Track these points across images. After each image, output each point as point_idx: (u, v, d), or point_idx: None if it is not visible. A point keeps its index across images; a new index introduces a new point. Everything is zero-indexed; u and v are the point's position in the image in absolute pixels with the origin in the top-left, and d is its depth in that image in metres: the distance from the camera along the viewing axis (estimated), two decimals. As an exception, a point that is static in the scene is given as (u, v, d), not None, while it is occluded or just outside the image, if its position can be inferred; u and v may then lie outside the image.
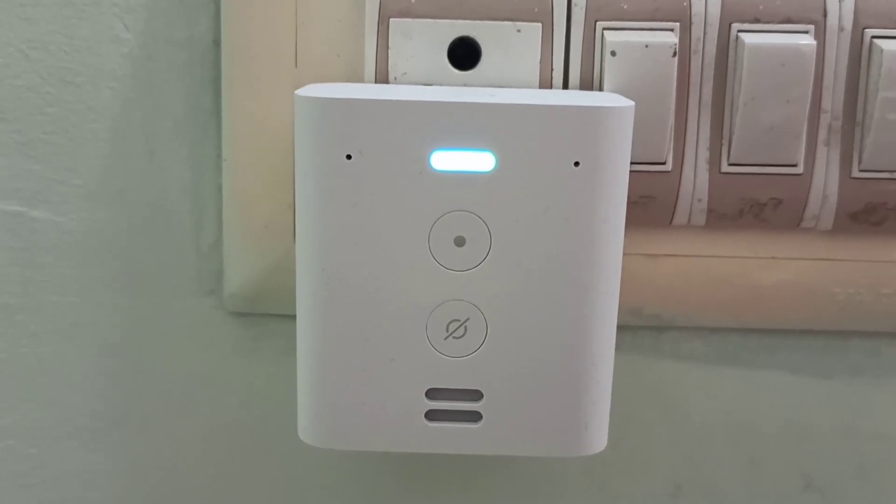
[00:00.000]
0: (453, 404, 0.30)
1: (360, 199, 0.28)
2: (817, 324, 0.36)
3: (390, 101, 0.27)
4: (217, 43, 0.34)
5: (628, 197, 0.33)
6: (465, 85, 0.33)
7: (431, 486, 0.39)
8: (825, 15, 0.32)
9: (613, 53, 0.32)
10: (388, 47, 0.33)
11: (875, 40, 0.33)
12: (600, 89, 0.33)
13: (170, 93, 0.35)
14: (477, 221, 0.28)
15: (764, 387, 0.37)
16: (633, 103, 0.28)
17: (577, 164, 0.28)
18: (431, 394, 0.30)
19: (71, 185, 0.36)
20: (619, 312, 0.31)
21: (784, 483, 0.38)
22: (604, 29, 0.32)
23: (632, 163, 0.32)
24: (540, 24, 0.32)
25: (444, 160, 0.28)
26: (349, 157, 0.28)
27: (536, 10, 0.32)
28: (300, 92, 0.28)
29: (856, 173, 0.34)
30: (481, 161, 0.28)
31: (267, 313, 0.36)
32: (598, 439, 0.30)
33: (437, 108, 0.27)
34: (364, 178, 0.28)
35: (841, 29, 0.33)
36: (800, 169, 0.33)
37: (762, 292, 0.35)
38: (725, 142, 0.33)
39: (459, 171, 0.28)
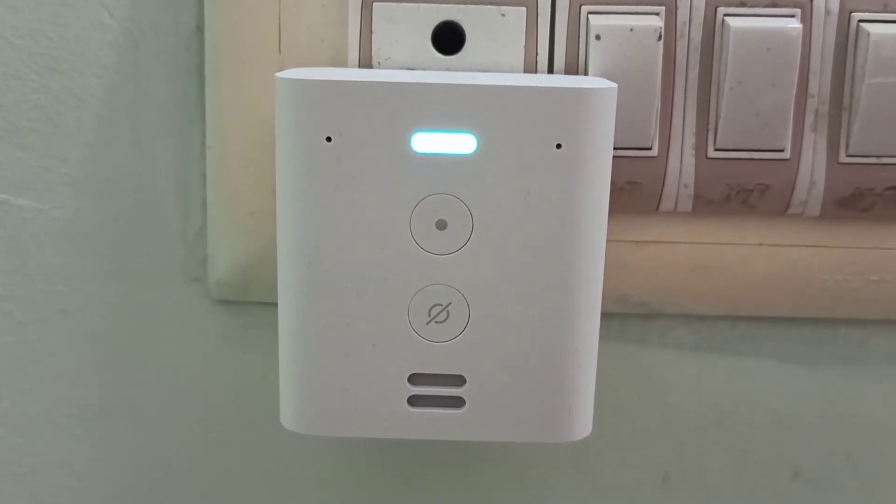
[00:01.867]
0: (436, 389, 0.30)
1: (341, 181, 0.28)
2: (805, 311, 0.36)
3: (370, 82, 0.27)
4: (200, 29, 0.34)
5: (614, 183, 0.33)
6: (448, 70, 0.32)
7: (416, 474, 0.38)
8: (811, -1, 0.32)
9: (598, 37, 0.32)
10: (371, 32, 0.32)
11: (862, 24, 0.32)
12: (585, 74, 0.32)
13: (155, 80, 0.35)
14: (458, 204, 0.28)
15: (752, 375, 0.37)
16: (615, 85, 0.28)
17: (559, 146, 0.28)
18: (414, 379, 0.30)
19: (56, 173, 0.36)
20: (605, 300, 0.30)
21: (772, 472, 0.38)
22: (588, 13, 0.32)
23: (617, 148, 0.32)
24: (524, 8, 0.32)
25: (425, 142, 0.28)
26: (329, 139, 0.28)
27: (521, -6, 0.32)
28: (281, 74, 0.28)
29: (843, 159, 0.33)
30: (462, 143, 0.28)
31: (254, 301, 0.36)
32: (583, 425, 0.30)
33: (417, 90, 0.27)
34: (344, 161, 0.28)
35: (827, 13, 0.32)
36: (787, 154, 0.33)
37: (750, 279, 0.35)
38: (712, 127, 0.33)
39: (440, 154, 0.28)
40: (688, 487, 0.38)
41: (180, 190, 0.36)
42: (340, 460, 0.38)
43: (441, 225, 0.28)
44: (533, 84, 0.27)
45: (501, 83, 0.27)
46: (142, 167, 0.35)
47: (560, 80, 0.29)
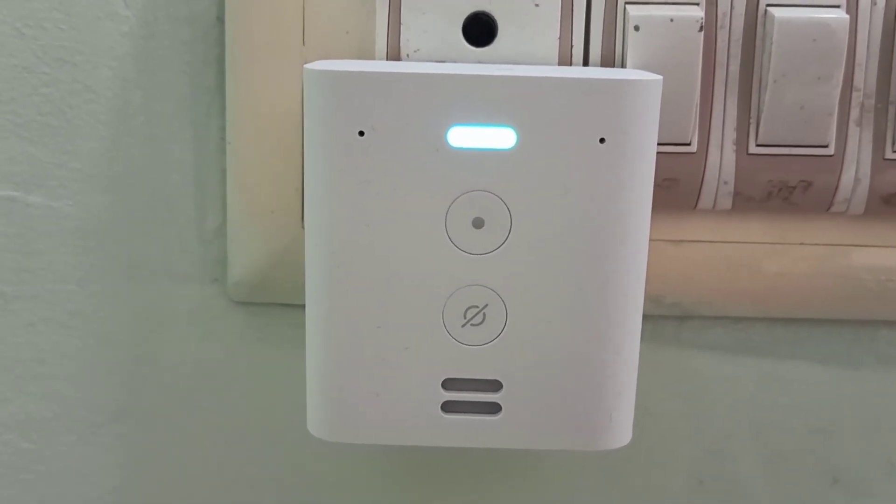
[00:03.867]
0: (471, 395, 0.29)
1: (373, 177, 0.27)
2: (846, 313, 0.35)
3: (405, 73, 0.26)
4: (221, 20, 0.33)
5: (651, 179, 0.31)
6: (480, 62, 0.31)
7: (445, 480, 0.38)
8: (858, -12, 0.31)
9: (637, 28, 0.31)
10: (399, 23, 0.31)
11: (910, 15, 0.31)
12: (622, 66, 0.31)
13: (171, 72, 0.34)
14: (496, 202, 0.27)
15: (790, 378, 0.36)
16: (660, 77, 0.27)
17: (602, 140, 0.26)
18: (448, 384, 0.29)
19: (68, 168, 0.35)
20: (640, 300, 0.29)
21: (810, 478, 0.37)
22: (626, 3, 0.31)
23: (656, 143, 0.31)
24: (559, -2, 0.31)
25: (462, 136, 0.26)
26: (362, 133, 0.26)
27: (556, -17, 0.31)
28: (310, 66, 0.27)
29: (889, 154, 0.32)
30: (501, 137, 0.27)
31: (273, 303, 0.35)
32: (623, 432, 0.29)
33: (454, 81, 0.26)
34: (377, 156, 0.27)
35: (873, 3, 0.31)
36: (831, 150, 0.32)
37: (789, 280, 0.34)
38: (753, 121, 0.32)
39: (478, 149, 0.27)
40: (722, 494, 0.38)
41: (198, 187, 0.35)
42: (364, 466, 0.37)
43: (478, 223, 0.27)
44: (576, 76, 0.26)
45: (543, 74, 0.26)
46: (158, 163, 0.35)
47: (602, 73, 0.27)
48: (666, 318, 0.36)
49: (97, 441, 0.37)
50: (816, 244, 0.34)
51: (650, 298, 0.34)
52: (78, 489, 0.38)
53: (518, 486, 0.38)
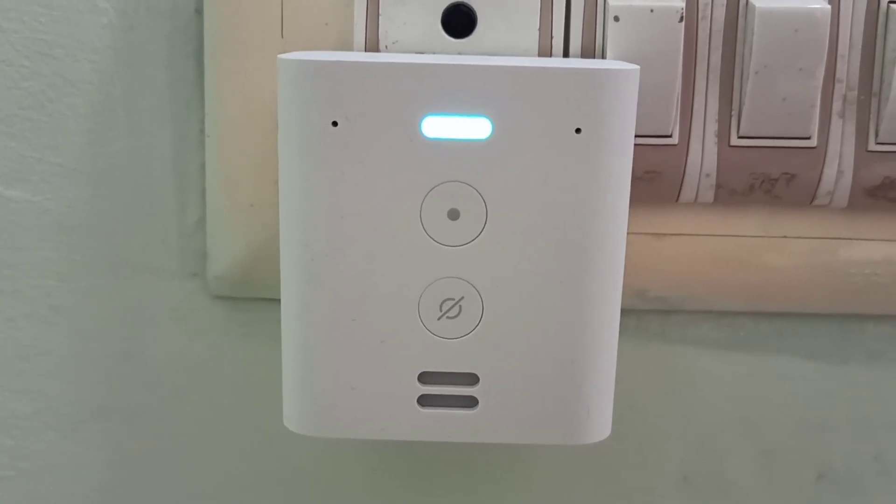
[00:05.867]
0: (447, 389, 0.28)
1: (347, 169, 0.26)
2: (832, 307, 0.35)
3: (378, 62, 0.26)
4: (199, 12, 0.33)
5: (632, 173, 0.31)
6: (460, 53, 0.31)
7: (427, 476, 0.37)
8: (840, -22, 0.31)
9: (616, 19, 0.30)
10: (378, 14, 0.31)
11: (893, 6, 0.31)
12: (603, 57, 0.31)
13: (151, 65, 0.34)
14: (472, 193, 0.27)
15: (776, 373, 0.36)
16: (637, 67, 0.27)
17: (578, 131, 0.26)
18: (424, 378, 0.28)
19: (49, 162, 0.34)
20: (623, 295, 0.29)
21: (797, 474, 0.37)
22: (606, -7, 0.31)
23: (636, 136, 0.30)
24: (539, -11, 0.31)
25: (437, 127, 0.26)
26: (335, 123, 0.26)
27: (535, -27, 0.31)
28: (284, 56, 0.27)
29: (872, 146, 0.32)
30: (476, 128, 0.26)
31: (255, 297, 0.35)
32: (602, 426, 0.29)
33: (428, 71, 0.26)
34: (351, 147, 0.26)
35: (857, -7, 0.31)
36: (814, 142, 0.32)
37: (773, 273, 0.34)
38: (735, 113, 0.32)
39: (453, 139, 0.26)
40: (708, 491, 0.37)
41: (178, 180, 0.34)
42: (346, 461, 0.37)
43: (453, 215, 0.27)
44: (551, 65, 0.26)
45: (517, 64, 0.26)
46: (138, 156, 0.34)
47: (578, 63, 0.27)
48: (650, 313, 0.35)
49: (79, 438, 0.37)
50: (801, 237, 0.34)
51: (634, 293, 0.34)
52: (61, 487, 0.37)
53: (503, 483, 0.37)
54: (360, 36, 0.31)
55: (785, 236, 0.34)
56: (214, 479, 0.37)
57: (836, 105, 0.32)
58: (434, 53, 0.31)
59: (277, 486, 0.37)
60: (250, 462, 0.37)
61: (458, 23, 0.31)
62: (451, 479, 0.37)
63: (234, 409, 0.36)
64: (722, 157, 0.32)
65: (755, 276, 0.34)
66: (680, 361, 0.36)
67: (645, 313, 0.35)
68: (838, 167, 0.32)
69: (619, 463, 0.37)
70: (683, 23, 0.30)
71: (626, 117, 0.26)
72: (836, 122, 0.32)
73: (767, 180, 0.32)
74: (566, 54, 0.31)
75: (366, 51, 0.31)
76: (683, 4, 0.30)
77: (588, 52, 0.31)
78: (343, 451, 0.37)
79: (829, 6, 0.30)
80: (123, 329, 0.36)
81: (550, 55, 0.31)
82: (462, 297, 0.27)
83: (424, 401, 0.28)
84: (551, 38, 0.31)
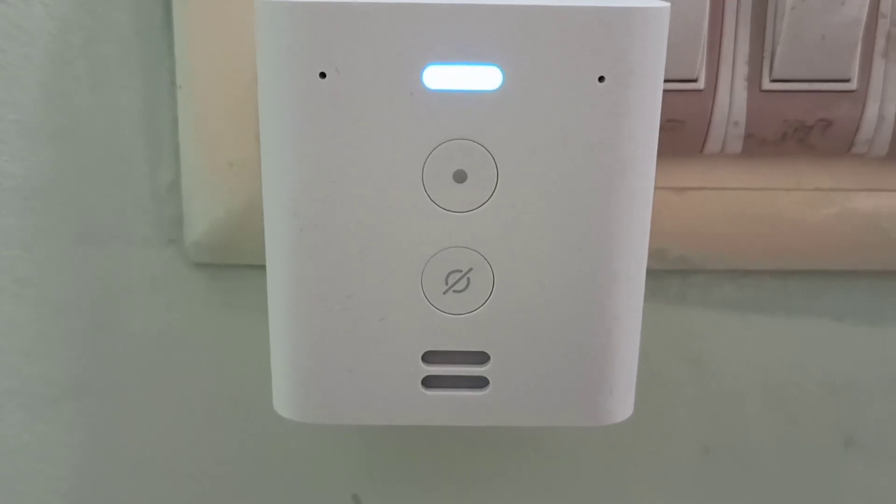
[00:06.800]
0: (455, 369, 0.26)
1: (338, 126, 0.24)
2: (865, 264, 0.33)
3: (372, 3, 0.23)
4: (166, -53, 0.30)
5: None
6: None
7: (432, 459, 0.36)
8: None
9: (637, -51, 0.27)
10: (368, -53, 0.28)
11: (944, -71, 0.28)
12: (621, -7, 0.28)
13: (114, 9, 0.31)
14: (480, 151, 0.24)
15: (803, 335, 0.35)
16: (668, 4, 0.24)
17: (601, 79, 0.23)
18: (429, 357, 0.26)
19: (6, 121, 0.32)
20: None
21: (822, 441, 0.36)
22: (625, -80, 0.28)
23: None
24: (549, -84, 0.28)
25: (440, 77, 0.23)
26: (323, 75, 0.23)
27: None
28: (262, -3, 0.23)
29: (918, 89, 0.29)
30: (485, 77, 0.23)
31: (238, 264, 0.33)
32: (624, 406, 0.27)
33: (430, 12, 0.23)
34: (342, 101, 0.23)
35: (904, -84, 0.28)
36: (853, 84, 0.29)
37: (804, 229, 0.32)
38: (767, 55, 0.29)
39: (459, 91, 0.24)
40: (729, 461, 0.36)
41: (149, 137, 0.32)
42: (337, 440, 0.36)
43: (460, 177, 0.24)
44: (570, 4, 0.23)
45: (532, 3, 0.23)
46: (103, 112, 0.32)
47: (602, 0, 0.24)
48: (670, 273, 0.34)
49: (55, 417, 0.36)
50: (834, 189, 0.31)
51: (652, 252, 0.32)
52: (37, 467, 0.36)
53: (518, 457, 0.36)
54: (347, -28, 0.28)
55: (818, 188, 0.31)
56: (197, 459, 0.36)
57: (879, 44, 0.29)
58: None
59: (265, 468, 0.36)
60: (235, 441, 0.36)
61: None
62: (451, 455, 0.36)
63: (218, 384, 0.35)
64: (752, 103, 0.30)
65: (783, 231, 0.32)
66: (700, 325, 0.34)
67: (664, 274, 0.34)
68: (879, 112, 0.29)
69: (636, 433, 0.36)
70: (712, -47, 0.27)
71: (656, 63, 0.24)
72: (878, 63, 0.29)
73: (801, 128, 0.29)
74: (580, -9, 0.28)
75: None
76: (712, -68, 0.27)
77: (604, -13, 0.28)
78: (334, 428, 0.35)
79: (873, -69, 0.27)
80: (97, 301, 0.34)
81: (562, -8, 0.28)
82: (470, 269, 0.25)
83: (429, 382, 0.26)
84: (563, -28, 0.28)
